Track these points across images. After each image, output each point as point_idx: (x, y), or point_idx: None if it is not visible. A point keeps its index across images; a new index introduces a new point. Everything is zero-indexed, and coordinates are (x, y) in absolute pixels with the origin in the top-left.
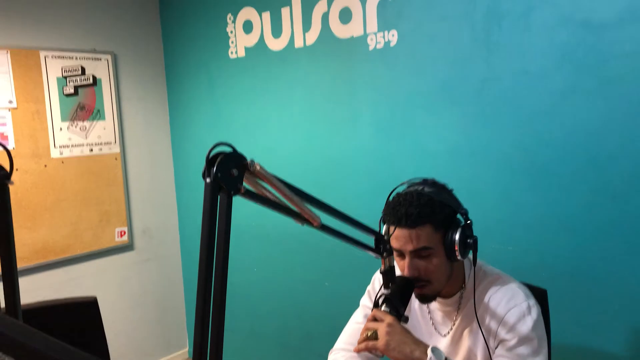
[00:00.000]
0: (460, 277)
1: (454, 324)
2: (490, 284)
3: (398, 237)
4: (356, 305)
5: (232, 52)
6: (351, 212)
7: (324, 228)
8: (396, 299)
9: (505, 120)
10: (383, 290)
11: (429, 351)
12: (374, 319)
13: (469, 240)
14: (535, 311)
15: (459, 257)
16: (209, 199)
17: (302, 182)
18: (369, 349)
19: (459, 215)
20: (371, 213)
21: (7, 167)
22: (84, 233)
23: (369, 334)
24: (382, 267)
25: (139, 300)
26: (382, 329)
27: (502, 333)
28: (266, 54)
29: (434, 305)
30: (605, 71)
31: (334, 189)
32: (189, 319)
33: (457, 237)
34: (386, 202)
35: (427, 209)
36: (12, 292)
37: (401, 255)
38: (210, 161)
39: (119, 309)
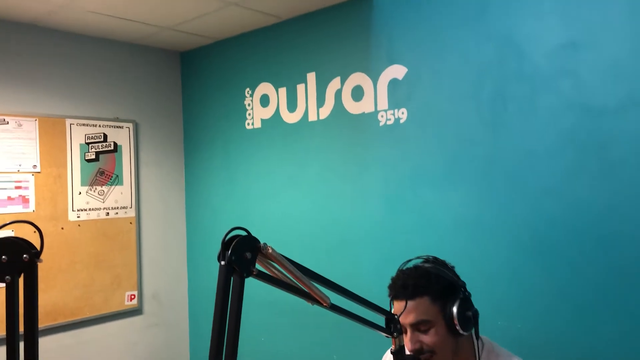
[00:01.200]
0: (469, 357)
1: None
2: None
3: (397, 310)
4: None
5: (248, 123)
6: (361, 285)
7: (334, 308)
8: None
9: (513, 198)
10: None
11: None
12: None
13: (468, 313)
14: None
15: (460, 331)
16: (222, 281)
17: (312, 252)
18: None
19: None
20: (381, 286)
21: (38, 245)
22: (95, 296)
23: None
24: (393, 347)
25: None
26: None
27: None
28: (281, 126)
29: None
30: (607, 154)
31: (344, 261)
32: None
33: (455, 309)
34: (391, 279)
35: (423, 280)
36: None
37: (405, 330)
38: (225, 244)
39: None
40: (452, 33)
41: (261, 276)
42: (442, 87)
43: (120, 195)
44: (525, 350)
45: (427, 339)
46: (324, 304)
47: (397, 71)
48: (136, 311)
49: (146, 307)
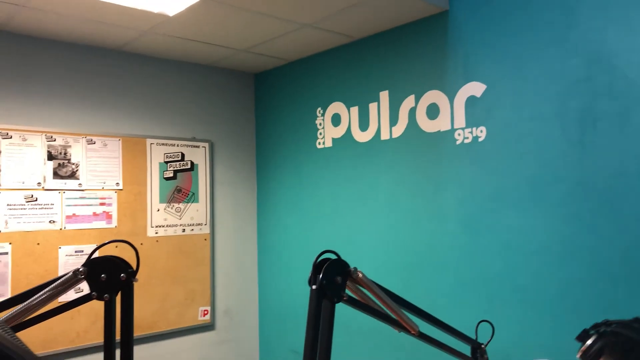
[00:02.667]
0: None
1: None
2: None
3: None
4: None
5: (319, 143)
6: (435, 310)
7: (422, 336)
8: None
9: (603, 222)
10: None
11: None
12: None
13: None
14: None
15: None
16: (314, 305)
17: (384, 275)
18: None
19: None
20: (455, 311)
21: (134, 265)
22: (170, 310)
23: None
24: None
25: None
26: None
27: None
28: (352, 144)
29: None
30: None
31: (417, 284)
32: None
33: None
34: None
35: (600, 342)
36: None
37: None
38: (317, 267)
39: None
40: (534, 48)
41: (351, 302)
42: (524, 104)
43: (196, 212)
44: None
45: None
46: (412, 332)
47: (475, 88)
48: (209, 326)
49: (218, 322)
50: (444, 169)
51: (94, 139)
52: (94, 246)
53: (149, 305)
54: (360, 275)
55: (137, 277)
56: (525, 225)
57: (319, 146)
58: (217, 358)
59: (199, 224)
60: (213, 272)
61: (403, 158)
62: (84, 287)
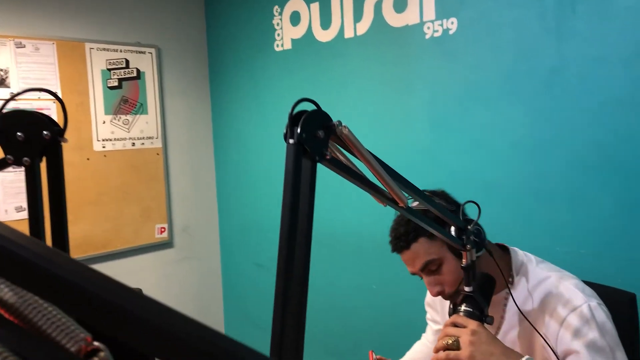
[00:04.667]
0: (506, 273)
1: (499, 328)
2: (540, 282)
3: (405, 262)
4: (409, 311)
5: (277, 45)
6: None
7: (410, 211)
8: (479, 296)
9: (577, 113)
10: (465, 288)
11: None
12: (454, 325)
13: (469, 227)
14: (600, 313)
15: (472, 254)
16: (292, 163)
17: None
18: None
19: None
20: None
21: (61, 123)
22: (124, 228)
23: (449, 342)
24: (464, 262)
25: (176, 299)
26: (465, 337)
27: (563, 346)
28: (314, 45)
29: None
30: None
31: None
32: (227, 319)
33: (452, 231)
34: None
35: (411, 224)
36: None
37: (432, 274)
38: (293, 119)
39: None
40: None
41: (334, 163)
42: None
43: (145, 124)
44: (588, 276)
45: (444, 278)
46: (401, 205)
47: None
48: (167, 244)
49: (177, 240)
50: (413, 66)
51: (24, 41)
52: None
53: (101, 223)
54: (346, 131)
55: (65, 137)
56: (496, 121)
57: (277, 49)
58: (178, 275)
59: (149, 138)
60: (168, 188)
61: (369, 57)
62: None
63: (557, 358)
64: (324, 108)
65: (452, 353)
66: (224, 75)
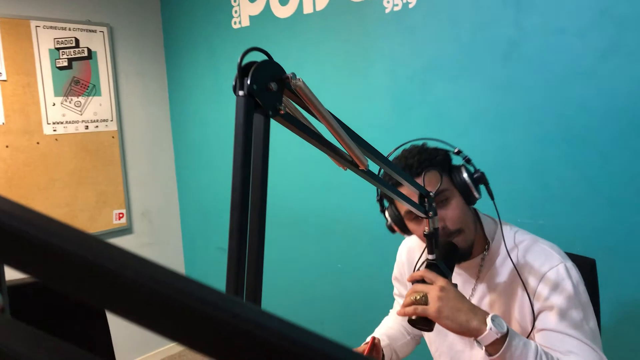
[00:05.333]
0: (481, 240)
1: (473, 292)
2: (520, 245)
3: (411, 193)
4: (372, 288)
5: (235, 22)
6: (360, 191)
7: (370, 175)
8: (442, 264)
9: (536, 85)
10: (427, 256)
11: (488, 320)
12: (423, 281)
13: (476, 176)
14: (574, 273)
15: (475, 195)
16: (242, 117)
17: (309, 159)
18: (417, 315)
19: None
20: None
21: None
22: (79, 214)
23: (417, 297)
24: (427, 229)
25: None
26: (433, 292)
27: (539, 303)
28: (272, 22)
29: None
30: None
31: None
32: None
33: (465, 174)
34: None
35: (425, 154)
36: None
37: (417, 218)
38: (242, 70)
39: None
40: None
41: (290, 120)
42: None
43: (99, 107)
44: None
45: (449, 212)
46: (361, 166)
47: None
48: (126, 230)
49: (136, 225)
50: (373, 41)
51: None
52: None
53: (55, 210)
54: (301, 83)
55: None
56: (456, 95)
57: (234, 26)
58: None
59: (104, 120)
60: (125, 172)
61: (328, 33)
62: None
63: (534, 314)
64: None
65: (419, 307)
66: (180, 54)
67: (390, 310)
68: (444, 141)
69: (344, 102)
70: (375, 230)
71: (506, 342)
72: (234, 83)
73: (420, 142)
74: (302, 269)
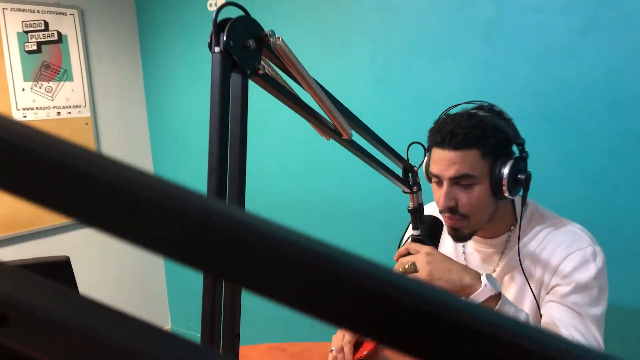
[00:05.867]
0: (509, 218)
1: (495, 269)
2: (548, 227)
3: (439, 161)
4: None
5: (210, 4)
6: (339, 178)
7: (353, 144)
8: (427, 239)
9: (515, 64)
10: (412, 232)
11: (483, 278)
12: (408, 253)
13: (520, 176)
14: (600, 259)
15: (506, 194)
16: (219, 75)
17: (290, 145)
18: None
19: (515, 148)
20: (369, 177)
21: None
22: None
23: (406, 267)
24: (411, 205)
25: (116, 276)
26: (420, 259)
27: (556, 279)
28: (249, 2)
29: (472, 246)
30: (627, 2)
31: (326, 151)
32: (171, 295)
33: (506, 169)
34: (434, 123)
35: (477, 131)
36: None
37: (439, 183)
38: (218, 26)
39: (95, 286)
40: None
41: (269, 81)
42: None
43: (71, 92)
44: None
45: (465, 197)
46: (345, 135)
47: None
48: None
49: None
50: (352, 21)
51: None
52: None
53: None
54: (280, 42)
55: None
56: (437, 75)
57: (210, 8)
58: (116, 252)
59: (77, 106)
60: None
61: (307, 12)
62: None
63: (537, 301)
64: None
65: (410, 277)
66: (154, 36)
67: None
68: (510, 121)
69: (325, 82)
70: (380, 217)
71: (500, 302)
72: (209, 40)
73: (482, 114)
74: None
